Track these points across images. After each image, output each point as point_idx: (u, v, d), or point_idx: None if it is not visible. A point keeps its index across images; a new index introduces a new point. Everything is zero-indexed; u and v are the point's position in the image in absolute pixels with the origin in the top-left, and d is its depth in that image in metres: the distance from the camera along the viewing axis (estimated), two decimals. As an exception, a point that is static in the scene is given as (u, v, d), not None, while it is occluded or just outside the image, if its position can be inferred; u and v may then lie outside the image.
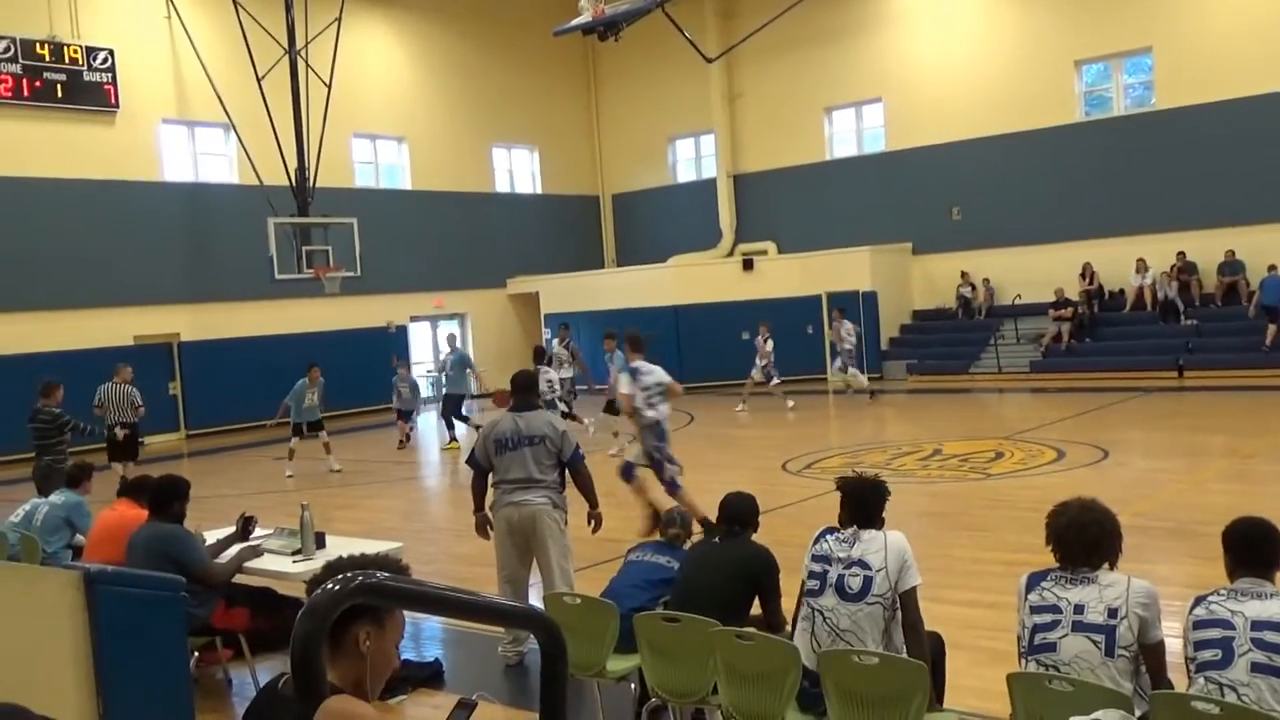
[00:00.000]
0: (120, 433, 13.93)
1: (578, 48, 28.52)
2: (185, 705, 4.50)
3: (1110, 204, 22.64)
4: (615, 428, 15.34)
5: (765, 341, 20.23)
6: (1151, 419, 16.68)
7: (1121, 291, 22.96)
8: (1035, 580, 3.94)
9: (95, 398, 14.02)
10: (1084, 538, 3.87)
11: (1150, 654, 3.76)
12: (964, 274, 24.61)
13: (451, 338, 20.25)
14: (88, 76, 20.70)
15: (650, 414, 9.24)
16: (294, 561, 6.55)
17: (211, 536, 7.10)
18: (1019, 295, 23.52)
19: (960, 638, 6.34)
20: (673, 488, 9.26)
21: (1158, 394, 18.72)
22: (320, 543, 6.75)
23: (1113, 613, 3.73)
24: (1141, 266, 22.23)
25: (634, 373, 9.37)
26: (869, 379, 21.25)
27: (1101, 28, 22.72)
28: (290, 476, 15.41)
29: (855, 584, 4.40)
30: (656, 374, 9.36)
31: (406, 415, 18.75)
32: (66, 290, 20.15)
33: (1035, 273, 23.32)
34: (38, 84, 20.03)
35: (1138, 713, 3.49)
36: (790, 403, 19.97)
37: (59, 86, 20.30)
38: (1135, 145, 22.43)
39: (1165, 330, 21.65)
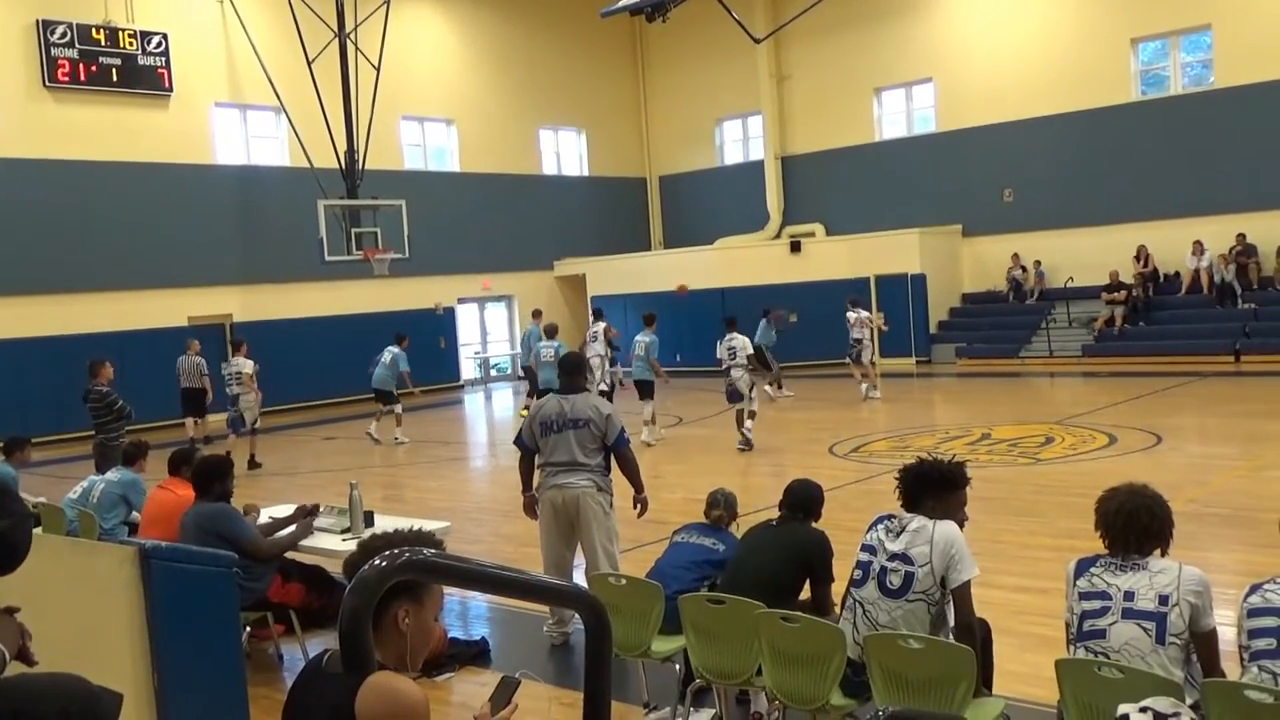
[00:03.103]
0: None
1: (625, 29, 28.47)
2: (237, 679, 4.57)
3: (1166, 185, 22.20)
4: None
5: (861, 314, 18.92)
6: (1207, 404, 16.39)
7: (1177, 274, 22.53)
8: (1084, 566, 3.89)
9: (176, 368, 16.80)
10: (1134, 524, 3.81)
11: (1202, 642, 3.70)
12: (1015, 256, 24.28)
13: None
14: (142, 61, 20.96)
15: None
16: (343, 540, 6.63)
17: (265, 516, 7.21)
18: (1071, 278, 23.14)
19: (1009, 623, 6.29)
20: None
21: (1213, 379, 18.38)
22: (369, 521, 6.84)
23: (1164, 600, 3.67)
24: (1198, 249, 21.77)
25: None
26: (916, 362, 20.90)
27: (1159, 4, 22.22)
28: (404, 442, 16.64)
29: (896, 580, 4.30)
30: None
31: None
32: (122, 272, 20.47)
33: (1088, 255, 22.91)
34: (94, 68, 20.33)
35: (1188, 701, 3.44)
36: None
37: (114, 71, 20.59)
38: (1193, 125, 21.96)
39: (1222, 314, 21.22)
